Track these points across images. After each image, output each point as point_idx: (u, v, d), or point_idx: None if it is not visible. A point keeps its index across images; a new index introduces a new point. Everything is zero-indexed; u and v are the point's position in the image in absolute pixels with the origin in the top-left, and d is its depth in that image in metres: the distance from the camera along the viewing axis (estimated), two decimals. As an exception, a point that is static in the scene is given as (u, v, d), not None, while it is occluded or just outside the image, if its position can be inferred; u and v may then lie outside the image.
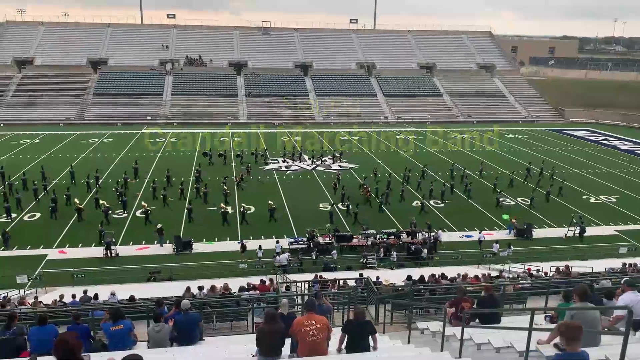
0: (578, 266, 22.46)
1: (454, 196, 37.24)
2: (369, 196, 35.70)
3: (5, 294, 19.53)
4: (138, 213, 32.50)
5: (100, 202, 32.72)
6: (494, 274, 22.15)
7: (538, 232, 30.83)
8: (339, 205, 34.25)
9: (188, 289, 16.97)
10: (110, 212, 31.60)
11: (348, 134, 62.54)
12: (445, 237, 29.66)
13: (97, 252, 27.02)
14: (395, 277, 21.13)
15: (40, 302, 17.36)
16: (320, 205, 34.72)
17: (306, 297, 11.40)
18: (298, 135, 60.60)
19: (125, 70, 78.01)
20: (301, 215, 32.56)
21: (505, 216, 32.24)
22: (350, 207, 33.01)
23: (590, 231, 30.74)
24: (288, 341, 7.46)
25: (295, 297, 15.30)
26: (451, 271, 21.89)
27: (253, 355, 7.53)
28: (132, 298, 15.79)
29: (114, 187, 36.70)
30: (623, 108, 77.91)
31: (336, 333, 7.89)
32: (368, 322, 8.05)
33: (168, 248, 27.92)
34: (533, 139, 61.70)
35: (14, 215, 31.70)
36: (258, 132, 63.36)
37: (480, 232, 29.81)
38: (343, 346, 7.83)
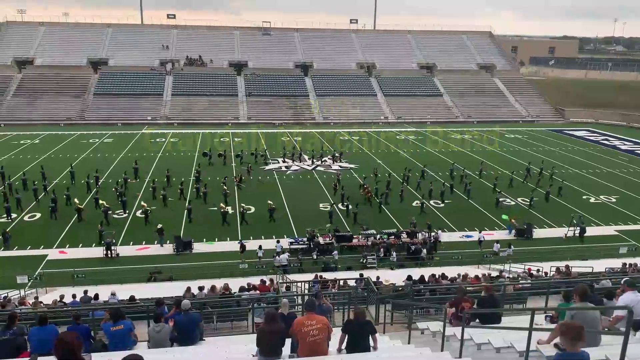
0: (578, 266, 22.46)
1: (453, 196, 37.24)
2: (369, 196, 35.69)
3: (6, 294, 19.55)
4: (138, 213, 32.51)
5: (100, 202, 32.73)
6: (494, 274, 22.15)
7: (538, 232, 30.83)
8: (339, 205, 34.25)
9: (188, 289, 16.99)
10: (110, 212, 31.61)
11: (348, 134, 62.57)
12: (446, 237, 29.66)
13: (98, 252, 27.03)
14: (395, 277, 21.13)
15: (41, 302, 17.37)
16: (321, 205, 34.73)
17: (306, 297, 11.40)
18: (298, 136, 60.61)
19: (126, 71, 78.03)
20: (301, 216, 32.56)
21: (505, 216, 32.24)
22: (350, 207, 33.02)
23: (591, 231, 30.74)
24: (288, 341, 7.46)
25: (295, 297, 15.30)
26: (451, 271, 21.89)
27: (253, 356, 7.53)
28: (132, 298, 15.79)
29: (113, 187, 36.71)
30: (623, 108, 77.90)
31: (336, 333, 7.89)
32: (368, 322, 8.05)
33: (168, 248, 27.93)
34: (533, 139, 61.70)
35: (14, 215, 31.71)
36: (258, 132, 63.37)
37: (480, 232, 29.82)
38: (343, 346, 7.83)
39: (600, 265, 23.35)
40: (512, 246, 27.70)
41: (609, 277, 15.00)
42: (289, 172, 44.20)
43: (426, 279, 18.94)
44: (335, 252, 26.91)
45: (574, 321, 5.76)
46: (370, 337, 7.82)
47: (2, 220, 31.05)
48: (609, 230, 31.78)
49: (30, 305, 16.66)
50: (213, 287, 17.43)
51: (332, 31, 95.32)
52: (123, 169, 41.04)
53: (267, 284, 18.13)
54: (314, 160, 47.05)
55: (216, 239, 29.19)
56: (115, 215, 32.19)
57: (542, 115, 78.22)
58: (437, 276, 19.61)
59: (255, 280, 19.37)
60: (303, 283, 19.49)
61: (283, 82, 79.85)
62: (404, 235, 28.81)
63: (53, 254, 26.99)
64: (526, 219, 32.10)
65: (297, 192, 38.04)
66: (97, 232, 28.43)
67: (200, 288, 16.70)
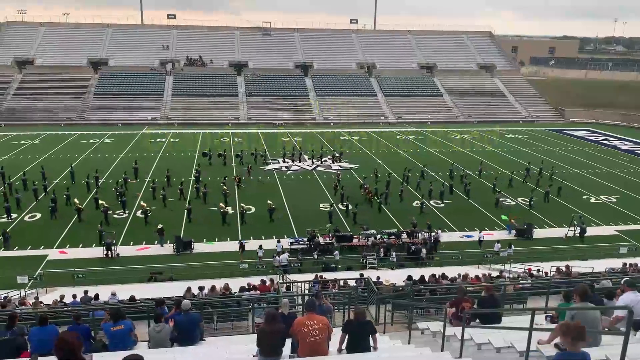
0: (578, 266, 22.46)
1: (453, 196, 37.24)
2: (370, 197, 35.63)
3: (6, 294, 19.55)
4: (138, 213, 32.51)
5: (100, 202, 32.72)
6: (495, 274, 22.15)
7: (538, 232, 30.82)
8: (339, 205, 34.26)
9: (189, 289, 16.98)
10: (110, 212, 31.61)
11: (348, 134, 62.59)
12: (446, 237, 29.65)
13: (98, 252, 27.04)
14: (395, 277, 21.13)
15: (41, 302, 17.36)
16: (321, 205, 34.72)
17: (306, 298, 11.40)
18: (298, 136, 60.62)
19: (126, 71, 78.05)
20: (301, 216, 32.56)
21: (504, 217, 32.24)
22: (350, 207, 33.02)
23: (591, 231, 30.74)
24: (288, 341, 7.46)
25: (295, 297, 15.30)
26: (451, 271, 21.88)
27: (254, 356, 7.53)
28: (132, 298, 15.78)
29: (113, 188, 36.71)
30: (623, 108, 77.90)
31: (337, 333, 7.90)
32: (368, 322, 8.05)
33: (168, 248, 27.93)
34: (533, 139, 61.69)
35: (14, 215, 31.72)
36: (258, 132, 63.38)
37: (480, 232, 29.81)
38: (343, 346, 7.83)
39: (600, 265, 23.34)
40: (512, 246, 27.71)
41: (609, 277, 15.00)
42: (289, 172, 44.21)
43: (426, 279, 18.94)
44: (337, 252, 26.91)
45: (574, 321, 5.76)
46: (370, 337, 7.82)
47: (3, 220, 31.06)
48: (609, 230, 31.78)
49: (30, 306, 16.66)
50: (213, 287, 17.44)
51: (332, 31, 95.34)
52: (123, 169, 41.05)
53: (267, 284, 18.12)
54: (314, 161, 47.05)
55: (216, 239, 29.19)
56: (115, 216, 32.20)
57: (542, 115, 78.21)
58: (437, 276, 19.61)
59: (256, 281, 19.36)
60: (303, 283, 19.49)
61: (283, 82, 79.86)
62: (404, 235, 28.81)
63: (53, 254, 27.00)
64: (526, 219, 32.09)
65: (298, 192, 38.04)
66: (97, 232, 28.43)
67: (201, 288, 16.71)
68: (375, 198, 35.04)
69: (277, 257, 25.49)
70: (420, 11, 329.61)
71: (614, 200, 37.49)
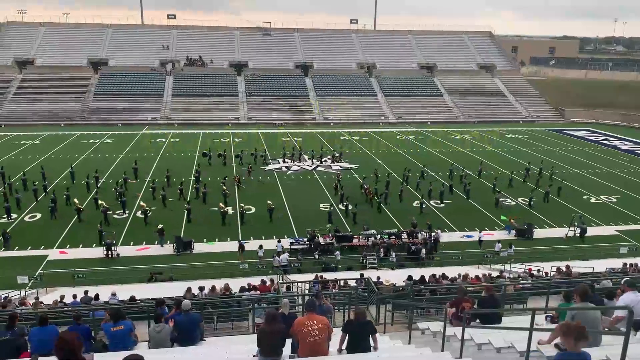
0: (579, 266, 22.45)
1: (453, 196, 37.24)
2: (371, 197, 35.53)
3: (6, 295, 19.56)
4: (138, 214, 32.51)
5: (99, 202, 32.72)
6: (495, 274, 22.15)
7: (539, 232, 30.81)
8: (339, 205, 34.25)
9: (189, 289, 16.97)
10: (109, 212, 31.60)
11: (348, 134, 62.60)
12: (446, 237, 29.65)
13: (98, 252, 27.04)
14: (395, 277, 21.13)
15: (41, 302, 17.36)
16: (321, 205, 34.72)
17: (307, 298, 11.40)
18: (298, 136, 60.63)
19: (126, 71, 78.06)
20: (301, 216, 32.56)
21: (504, 217, 32.23)
22: (350, 207, 33.01)
23: (591, 231, 30.73)
24: (289, 341, 7.46)
25: (295, 297, 15.30)
26: (452, 271, 21.88)
27: (254, 356, 7.53)
28: (132, 298, 15.79)
29: (113, 188, 36.71)
30: (623, 108, 77.90)
31: (337, 333, 7.90)
32: (369, 322, 8.05)
33: (169, 248, 27.93)
34: (533, 139, 61.69)
35: (14, 215, 31.72)
36: (259, 132, 63.39)
37: (480, 232, 29.81)
38: (344, 346, 7.83)
39: (600, 265, 23.33)
40: (513, 246, 27.70)
41: (609, 277, 14.99)
42: (289, 172, 44.21)
43: (426, 279, 18.94)
44: (338, 252, 26.90)
45: (574, 321, 5.76)
46: (370, 337, 7.82)
47: (3, 220, 31.07)
48: (610, 230, 31.78)
49: (30, 306, 16.67)
50: (213, 288, 17.44)
51: (333, 31, 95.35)
52: (123, 170, 41.05)
53: (267, 285, 18.12)
54: (314, 161, 47.05)
55: (216, 239, 29.19)
56: (115, 216, 32.20)
57: (543, 115, 78.20)
58: (437, 276, 19.60)
59: (256, 281, 19.36)
60: (303, 283, 19.48)
61: (283, 82, 79.87)
62: (404, 235, 28.80)
63: (53, 254, 27.01)
64: (526, 219, 32.08)
65: (298, 192, 38.04)
66: (97, 233, 28.43)
67: (201, 288, 16.70)
68: (376, 198, 35.03)
69: (276, 257, 25.48)
70: (420, 11, 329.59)
71: (614, 200, 37.48)
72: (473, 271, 23.06)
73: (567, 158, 50.99)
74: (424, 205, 34.19)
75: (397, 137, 61.63)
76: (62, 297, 17.60)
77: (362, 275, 20.55)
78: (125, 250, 27.51)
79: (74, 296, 17.79)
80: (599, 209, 35.36)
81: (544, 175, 41.49)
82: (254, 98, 75.90)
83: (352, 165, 46.33)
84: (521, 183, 40.70)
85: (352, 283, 19.40)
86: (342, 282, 19.80)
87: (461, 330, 8.01)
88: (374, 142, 57.77)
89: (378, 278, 20.30)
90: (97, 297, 17.17)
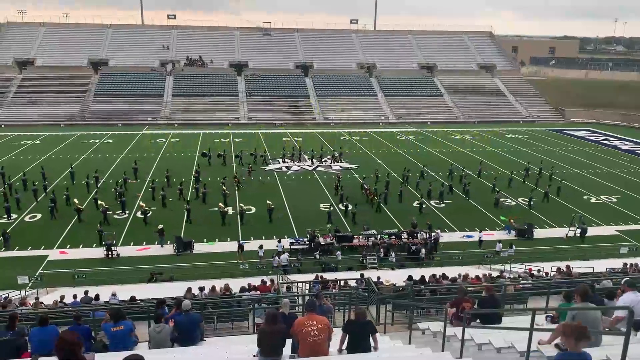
0: (579, 266, 22.45)
1: (453, 196, 37.24)
2: (372, 197, 35.41)
3: (7, 295, 19.56)
4: (138, 214, 32.51)
5: (99, 202, 32.71)
6: (495, 274, 22.14)
7: (539, 233, 30.80)
8: (340, 205, 34.24)
9: (189, 289, 16.98)
10: (109, 212, 31.59)
11: (349, 134, 62.62)
12: (446, 237, 29.65)
13: (98, 252, 27.04)
14: (396, 277, 21.13)
15: (41, 302, 17.37)
16: (321, 205, 34.72)
17: (307, 298, 11.40)
18: (299, 136, 60.64)
19: (126, 71, 78.08)
20: (302, 216, 32.56)
21: (503, 217, 32.23)
22: (350, 207, 32.99)
23: (591, 231, 30.72)
24: (289, 342, 7.46)
25: (296, 297, 15.30)
26: (452, 271, 21.87)
27: (254, 356, 7.53)
28: (133, 299, 15.79)
29: (113, 188, 36.70)
30: (623, 108, 77.90)
31: (337, 333, 7.90)
32: (369, 322, 8.05)
33: (169, 249, 27.93)
34: (533, 139, 61.68)
35: (14, 216, 31.73)
36: (259, 132, 63.39)
37: (480, 232, 29.80)
38: (344, 346, 7.83)
39: (601, 265, 23.34)
40: (513, 246, 27.68)
41: (609, 278, 14.99)
42: (289, 172, 44.21)
43: (427, 279, 18.93)
44: (339, 252, 26.89)
45: (575, 322, 5.76)
46: (370, 337, 7.82)
47: (3, 220, 31.08)
48: (610, 230, 31.77)
49: (30, 306, 16.67)
50: (213, 288, 17.45)
51: (333, 31, 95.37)
52: (123, 170, 41.05)
53: (267, 285, 18.12)
54: (314, 161, 47.06)
55: (217, 240, 29.19)
56: (115, 216, 32.21)
57: (543, 116, 78.20)
58: (437, 276, 19.60)
59: (256, 281, 19.36)
60: (304, 284, 19.48)
61: (283, 82, 79.88)
62: (404, 235, 28.80)
63: (54, 254, 27.01)
64: (527, 219, 32.07)
65: (298, 192, 38.04)
66: (97, 233, 28.43)
67: (201, 288, 16.71)
68: (376, 199, 35.02)
69: (276, 258, 25.46)
70: (420, 11, 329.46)
71: (615, 200, 37.47)
72: (473, 271, 23.05)
73: (567, 158, 50.98)
74: (423, 206, 34.17)
75: (397, 137, 61.63)
76: (63, 297, 17.61)
77: (362, 275, 20.55)
78: (125, 251, 27.51)
79: (74, 296, 17.80)
80: (599, 209, 35.35)
81: (543, 176, 41.46)
82: (254, 98, 75.91)
83: (352, 166, 46.33)
84: (521, 183, 40.69)
85: (352, 283, 19.40)
86: (342, 282, 19.80)
87: (461, 331, 8.01)
88: (374, 142, 57.76)
89: (378, 278, 20.30)
90: (97, 297, 17.18)
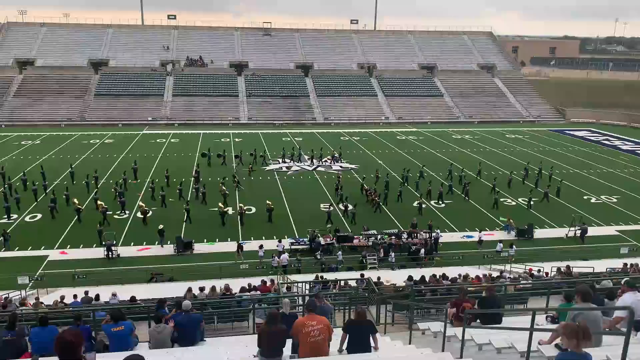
0: (579, 266, 22.44)
1: (453, 196, 37.22)
2: (374, 198, 35.29)
3: (7, 295, 19.55)
4: (138, 214, 32.50)
5: (98, 202, 32.70)
6: (495, 274, 22.14)
7: (539, 233, 30.78)
8: (340, 205, 34.23)
9: (189, 289, 16.98)
10: (108, 212, 31.54)
11: (349, 134, 62.61)
12: (446, 237, 29.62)
13: (98, 252, 27.03)
14: (396, 277, 21.12)
15: (42, 303, 17.36)
16: (321, 205, 34.71)
17: (307, 298, 11.40)
18: (299, 136, 60.63)
19: (126, 71, 78.11)
20: (302, 216, 32.55)
21: (503, 218, 32.22)
22: (350, 207, 32.97)
23: (592, 231, 30.69)
24: (289, 342, 7.46)
25: (296, 297, 15.30)
26: (452, 272, 21.86)
27: (254, 356, 7.53)
28: (133, 299, 15.79)
29: (112, 188, 36.69)
30: (624, 108, 77.88)
31: (337, 333, 7.90)
32: (369, 322, 8.05)
33: (169, 249, 27.92)
34: (534, 139, 61.65)
35: (14, 216, 31.72)
36: (259, 132, 63.39)
37: (480, 232, 29.78)
38: (344, 346, 7.83)
39: (601, 265, 23.33)
40: (514, 246, 27.64)
41: (610, 278, 14.98)
42: (289, 172, 44.21)
43: (427, 280, 18.93)
44: (340, 252, 26.89)
45: (574, 322, 5.76)
46: (371, 338, 7.82)
47: (3, 220, 31.08)
48: (610, 230, 31.76)
49: (31, 306, 16.66)
50: (214, 288, 17.44)
51: (333, 32, 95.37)
52: (123, 170, 41.04)
53: (268, 285, 18.12)
54: (314, 161, 47.06)
55: (217, 240, 29.18)
56: (115, 216, 32.20)
57: (543, 116, 78.17)
58: (437, 277, 19.59)
59: (256, 281, 19.36)
60: (304, 284, 19.47)
61: (284, 82, 79.88)
62: (404, 235, 28.77)
63: (54, 254, 27.01)
64: (527, 219, 32.05)
65: (298, 192, 38.03)
66: (97, 233, 28.42)
67: (201, 289, 16.71)
68: (377, 199, 34.97)
69: (275, 258, 25.44)
70: (421, 12, 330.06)
71: (615, 200, 37.46)
72: (473, 271, 23.04)
73: (567, 158, 50.95)
74: (423, 206, 34.14)
75: (398, 137, 61.62)
76: (63, 297, 17.60)
77: (362, 275, 20.55)
78: (125, 251, 27.50)
79: (75, 296, 17.79)
80: (600, 209, 35.34)
81: (543, 176, 41.44)
82: (254, 98, 75.91)
83: (353, 166, 46.33)
84: (521, 183, 40.65)
85: (353, 283, 19.39)
86: (342, 283, 19.80)
87: (462, 331, 8.01)
88: (375, 143, 57.75)
89: (378, 278, 20.30)
90: (97, 297, 17.18)
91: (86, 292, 17.99)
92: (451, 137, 62.05)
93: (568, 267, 20.68)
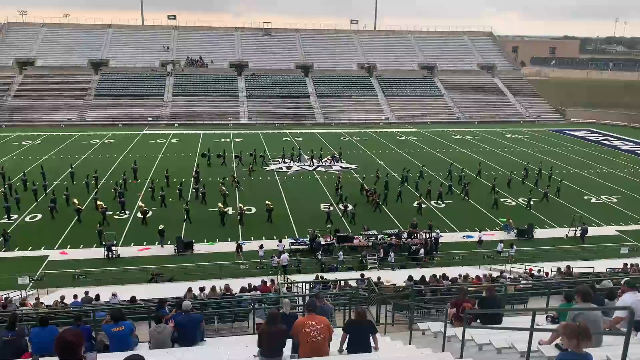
0: (579, 266, 22.44)
1: (453, 196, 37.21)
2: (373, 198, 35.28)
3: (7, 295, 19.56)
4: (138, 214, 32.49)
5: (98, 202, 32.70)
6: (495, 274, 22.14)
7: (539, 233, 30.78)
8: (340, 205, 34.22)
9: (189, 289, 16.99)
10: (108, 212, 31.53)
11: (349, 134, 62.61)
12: (447, 237, 29.61)
13: (99, 253, 27.03)
14: (396, 277, 21.12)
15: (42, 303, 17.36)
16: (322, 205, 34.71)
17: (307, 298, 11.40)
18: (299, 136, 60.63)
19: (126, 72, 78.12)
20: (302, 216, 32.55)
21: (503, 219, 32.22)
22: (349, 207, 32.96)
23: (592, 231, 30.68)
24: (289, 342, 7.47)
25: (296, 297, 15.30)
26: (452, 272, 21.86)
27: (255, 356, 7.53)
28: (133, 299, 15.79)
29: (112, 188, 36.68)
30: (624, 108, 77.88)
31: (337, 333, 7.90)
32: (369, 322, 8.06)
33: (169, 249, 27.92)
34: (534, 139, 61.65)
35: (14, 216, 31.72)
36: (259, 132, 63.39)
37: (480, 232, 29.78)
38: (344, 347, 7.83)
39: (601, 265, 23.33)
40: (514, 246, 27.63)
41: (610, 278, 14.99)
42: (289, 172, 44.21)
43: (427, 280, 18.93)
44: (341, 252, 26.88)
45: (574, 322, 5.76)
46: (371, 338, 7.82)
47: (3, 221, 31.07)
48: (610, 230, 31.75)
49: (31, 306, 16.67)
50: (214, 288, 17.44)
51: (333, 32, 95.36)
52: (123, 170, 41.03)
53: (268, 285, 18.13)
54: (314, 161, 47.06)
55: (217, 240, 29.18)
56: (115, 216, 32.20)
57: (543, 116, 78.18)
58: (437, 277, 19.60)
59: (256, 281, 19.36)
60: (304, 284, 19.47)
61: (284, 82, 79.89)
62: (404, 235, 28.77)
63: (54, 254, 27.01)
64: (527, 219, 32.05)
65: (298, 192, 38.03)
66: (97, 233, 28.41)
67: (201, 289, 16.71)
68: (377, 199, 34.95)
69: (275, 258, 25.44)
70: (421, 12, 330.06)
71: (615, 200, 37.45)
72: (473, 271, 23.04)
73: (567, 158, 50.95)
74: (423, 206, 34.13)
75: (398, 137, 61.62)
76: (63, 297, 17.60)
77: (362, 275, 20.55)
78: (125, 251, 27.50)
79: (75, 296, 17.79)
80: (600, 209, 35.34)
81: (543, 176, 41.43)
82: (254, 98, 75.91)
83: (353, 166, 46.33)
84: (521, 183, 40.64)
85: (353, 283, 19.39)
86: (342, 283, 19.80)
87: (462, 331, 8.01)
88: (375, 143, 57.74)
89: (379, 278, 20.30)
90: (97, 297, 17.18)
91: (86, 292, 17.99)
92: (451, 137, 62.05)
93: (568, 267, 20.68)
